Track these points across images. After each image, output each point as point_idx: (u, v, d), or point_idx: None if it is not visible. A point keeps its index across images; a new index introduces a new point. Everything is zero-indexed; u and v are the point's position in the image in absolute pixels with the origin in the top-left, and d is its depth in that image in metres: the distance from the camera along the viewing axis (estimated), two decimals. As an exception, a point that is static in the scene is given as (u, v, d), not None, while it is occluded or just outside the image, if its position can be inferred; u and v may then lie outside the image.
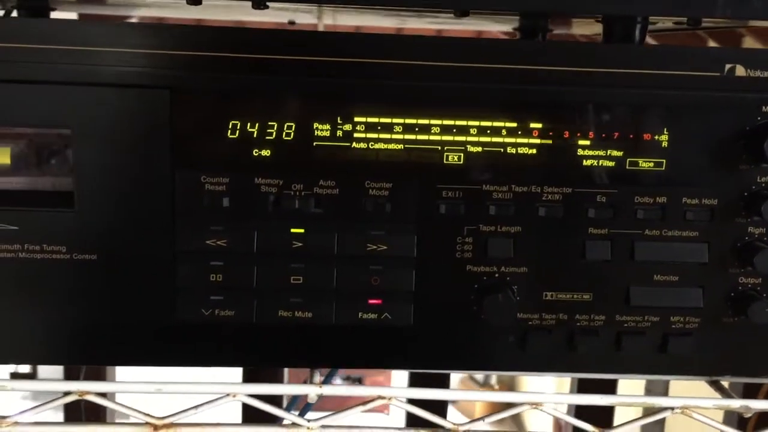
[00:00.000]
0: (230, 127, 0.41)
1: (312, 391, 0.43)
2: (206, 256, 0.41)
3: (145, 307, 0.42)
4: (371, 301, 0.42)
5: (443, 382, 0.89)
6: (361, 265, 0.42)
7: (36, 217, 0.40)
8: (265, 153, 0.41)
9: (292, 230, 0.42)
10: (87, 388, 0.42)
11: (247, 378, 0.80)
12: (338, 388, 0.44)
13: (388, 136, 0.42)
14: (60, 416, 0.78)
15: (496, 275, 0.43)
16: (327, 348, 0.43)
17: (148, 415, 0.42)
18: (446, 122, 0.42)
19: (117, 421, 0.43)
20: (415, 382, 0.75)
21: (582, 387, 0.83)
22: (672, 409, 0.44)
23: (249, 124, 0.41)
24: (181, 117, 0.40)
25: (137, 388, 0.43)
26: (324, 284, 0.42)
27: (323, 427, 0.43)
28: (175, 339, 0.42)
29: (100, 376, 0.81)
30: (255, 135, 0.41)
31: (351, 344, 0.43)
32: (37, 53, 0.39)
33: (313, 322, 0.42)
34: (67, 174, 0.41)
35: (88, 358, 0.43)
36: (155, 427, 0.43)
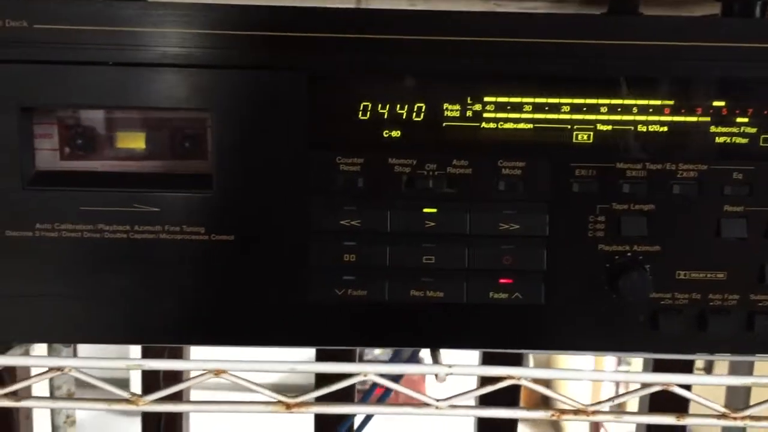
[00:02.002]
0: (362, 108, 0.41)
1: (441, 371, 0.43)
2: (340, 237, 0.42)
3: (279, 287, 0.42)
4: (502, 281, 0.42)
5: (517, 362, 0.88)
6: (493, 244, 0.42)
7: (176, 199, 0.41)
8: (395, 134, 0.42)
9: (425, 210, 0.42)
10: (223, 367, 0.42)
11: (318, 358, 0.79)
12: (470, 368, 0.44)
13: (517, 115, 0.42)
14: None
15: (629, 254, 0.42)
16: (456, 329, 0.43)
17: (281, 393, 0.43)
18: (576, 101, 0.42)
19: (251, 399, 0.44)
20: (485, 361, 0.74)
21: (658, 367, 0.81)
22: (806, 390, 0.44)
23: (380, 105, 0.41)
24: (316, 99, 0.41)
25: (270, 367, 0.43)
26: (456, 264, 0.42)
27: (452, 407, 0.44)
28: (308, 319, 0.43)
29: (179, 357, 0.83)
30: (386, 116, 0.41)
31: (481, 325, 0.43)
32: (178, 37, 0.39)
33: (444, 302, 0.42)
34: (203, 157, 0.42)
35: (222, 338, 0.44)
36: (287, 405, 0.43)
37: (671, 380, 0.43)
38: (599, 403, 0.44)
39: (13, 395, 0.43)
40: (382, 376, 0.44)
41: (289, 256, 0.42)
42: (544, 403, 2.65)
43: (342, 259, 0.42)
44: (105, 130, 0.42)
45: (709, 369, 1.37)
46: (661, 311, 0.43)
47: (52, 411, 0.90)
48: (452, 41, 0.41)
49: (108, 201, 0.41)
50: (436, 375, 0.44)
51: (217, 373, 0.43)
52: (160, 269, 0.42)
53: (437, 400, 0.43)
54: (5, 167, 0.40)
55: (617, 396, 0.44)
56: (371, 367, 0.43)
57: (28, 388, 0.45)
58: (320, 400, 0.44)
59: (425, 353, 0.56)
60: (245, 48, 0.40)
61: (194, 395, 0.95)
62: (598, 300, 0.43)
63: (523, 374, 0.43)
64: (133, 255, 0.41)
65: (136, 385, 0.86)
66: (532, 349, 0.45)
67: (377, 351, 2.76)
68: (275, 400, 0.43)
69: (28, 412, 0.94)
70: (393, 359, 0.66)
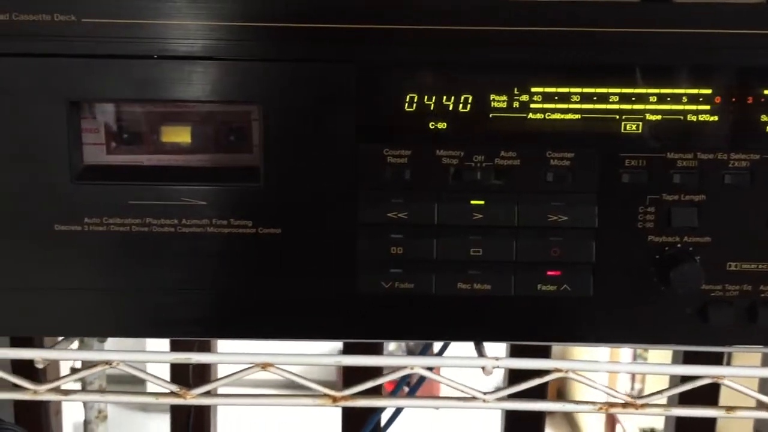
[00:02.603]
0: (407, 100, 0.41)
1: (489, 364, 0.43)
2: (387, 229, 0.41)
3: (326, 280, 0.42)
4: (550, 273, 0.42)
5: (545, 352, 0.87)
6: (541, 236, 0.42)
7: (223, 192, 0.41)
8: (442, 125, 0.41)
9: (472, 202, 0.41)
10: (271, 361, 0.42)
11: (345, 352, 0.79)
12: (515, 361, 0.44)
13: (565, 106, 0.41)
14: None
15: (679, 245, 0.42)
16: (503, 322, 0.43)
17: (327, 387, 0.43)
18: (625, 91, 0.41)
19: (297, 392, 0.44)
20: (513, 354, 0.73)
21: (687, 360, 0.80)
22: None
23: (426, 96, 0.41)
24: (364, 91, 0.40)
25: (317, 360, 0.43)
26: (503, 256, 0.42)
27: (498, 399, 0.43)
28: (354, 312, 0.43)
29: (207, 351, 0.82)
30: (432, 107, 0.41)
31: (527, 317, 0.43)
32: (224, 30, 0.39)
33: (492, 295, 0.42)
34: (248, 150, 0.42)
35: (269, 332, 0.44)
36: (334, 398, 0.43)
37: (723, 372, 0.42)
38: (649, 395, 0.43)
39: (59, 390, 0.44)
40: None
41: (336, 249, 0.42)
42: (560, 397, 2.63)
43: (389, 252, 0.42)
44: (151, 124, 0.42)
45: (727, 362, 1.36)
46: (710, 303, 0.42)
47: (85, 406, 0.91)
48: (498, 31, 0.40)
49: (156, 195, 0.41)
50: (483, 368, 0.43)
51: (264, 366, 0.43)
52: (207, 262, 0.42)
53: (484, 394, 0.43)
54: (53, 161, 0.40)
55: (667, 389, 0.44)
56: (418, 360, 0.43)
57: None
58: (357, 395, 0.43)
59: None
60: (292, 40, 0.39)
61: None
62: (647, 292, 0.42)
63: (571, 367, 0.42)
64: (180, 248, 0.41)
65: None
66: (579, 342, 0.44)
67: (391, 346, 2.75)
68: (321, 394, 0.43)
69: (58, 407, 0.95)
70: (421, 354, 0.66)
